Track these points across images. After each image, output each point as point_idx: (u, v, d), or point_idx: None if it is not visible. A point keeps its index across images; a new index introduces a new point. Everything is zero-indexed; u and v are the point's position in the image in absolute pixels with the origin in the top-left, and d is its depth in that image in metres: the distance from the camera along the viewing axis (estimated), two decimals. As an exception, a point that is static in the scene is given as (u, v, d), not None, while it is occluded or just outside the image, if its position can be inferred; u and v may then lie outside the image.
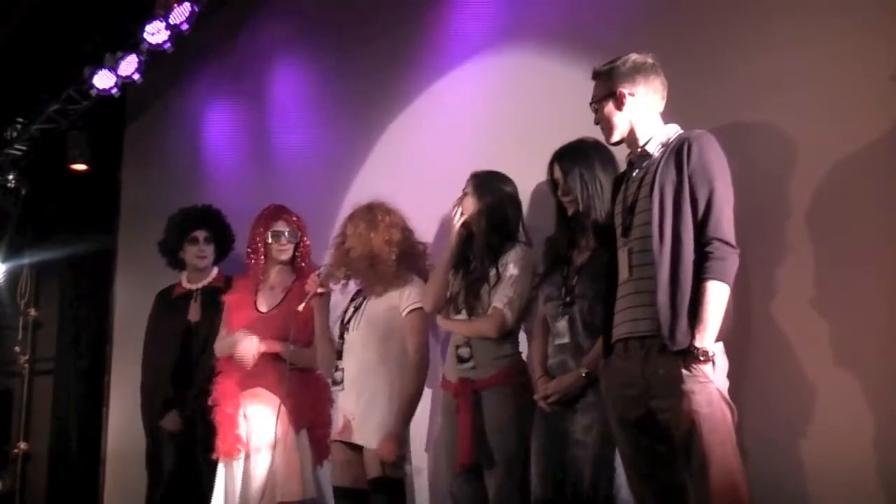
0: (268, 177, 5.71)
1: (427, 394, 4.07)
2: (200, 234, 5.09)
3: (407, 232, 4.14)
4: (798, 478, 3.08)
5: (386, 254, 4.03)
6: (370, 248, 4.03)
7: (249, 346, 4.35)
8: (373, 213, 4.10)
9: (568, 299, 3.41)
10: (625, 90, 3.08)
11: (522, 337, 3.78)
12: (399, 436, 3.90)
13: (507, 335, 3.70)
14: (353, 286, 4.26)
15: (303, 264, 4.64)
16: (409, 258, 4.11)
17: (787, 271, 3.20)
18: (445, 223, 3.99)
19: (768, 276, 3.22)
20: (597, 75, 3.16)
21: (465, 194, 3.82)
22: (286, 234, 4.56)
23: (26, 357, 7.93)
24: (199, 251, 5.07)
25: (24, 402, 7.88)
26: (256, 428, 4.35)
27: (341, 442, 4.05)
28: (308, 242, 4.67)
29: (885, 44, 3.01)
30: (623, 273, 3.02)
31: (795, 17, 3.26)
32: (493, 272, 3.70)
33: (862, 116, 3.05)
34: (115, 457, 6.80)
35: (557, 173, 3.46)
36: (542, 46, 4.19)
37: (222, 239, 5.16)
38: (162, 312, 5.16)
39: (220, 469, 4.38)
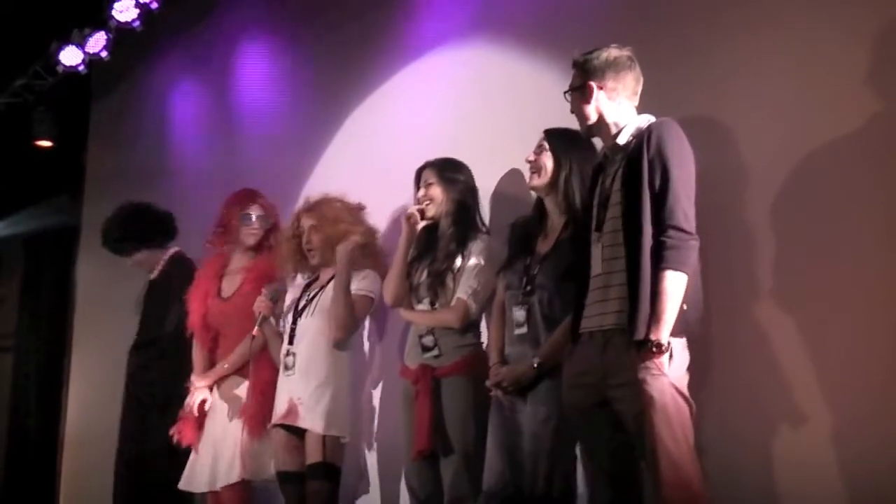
0: (233, 156, 5.67)
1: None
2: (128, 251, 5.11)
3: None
4: (760, 472, 3.07)
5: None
6: (342, 240, 4.04)
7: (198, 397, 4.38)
8: (337, 208, 4.15)
9: (528, 289, 3.38)
10: (593, 83, 3.06)
11: (484, 327, 3.76)
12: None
13: (470, 324, 3.69)
14: (300, 279, 4.28)
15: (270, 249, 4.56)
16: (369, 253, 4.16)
17: (752, 265, 3.18)
18: (406, 211, 3.95)
19: (732, 269, 3.21)
20: (574, 65, 3.14)
21: (429, 184, 3.80)
22: (257, 217, 4.50)
23: (-15, 334, 7.88)
24: (133, 263, 5.14)
25: (-18, 381, 7.83)
26: (217, 412, 4.34)
27: (283, 426, 4.03)
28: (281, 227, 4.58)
29: (857, 40, 2.99)
30: (595, 268, 3.00)
31: (769, 13, 3.25)
32: (458, 261, 3.70)
33: (833, 112, 3.04)
34: (73, 439, 6.75)
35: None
36: (509, 38, 4.16)
37: (148, 237, 5.08)
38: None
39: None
